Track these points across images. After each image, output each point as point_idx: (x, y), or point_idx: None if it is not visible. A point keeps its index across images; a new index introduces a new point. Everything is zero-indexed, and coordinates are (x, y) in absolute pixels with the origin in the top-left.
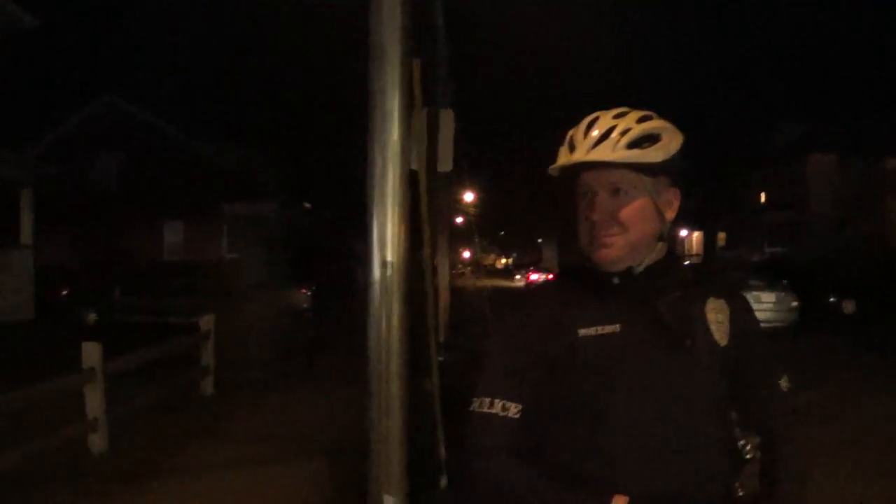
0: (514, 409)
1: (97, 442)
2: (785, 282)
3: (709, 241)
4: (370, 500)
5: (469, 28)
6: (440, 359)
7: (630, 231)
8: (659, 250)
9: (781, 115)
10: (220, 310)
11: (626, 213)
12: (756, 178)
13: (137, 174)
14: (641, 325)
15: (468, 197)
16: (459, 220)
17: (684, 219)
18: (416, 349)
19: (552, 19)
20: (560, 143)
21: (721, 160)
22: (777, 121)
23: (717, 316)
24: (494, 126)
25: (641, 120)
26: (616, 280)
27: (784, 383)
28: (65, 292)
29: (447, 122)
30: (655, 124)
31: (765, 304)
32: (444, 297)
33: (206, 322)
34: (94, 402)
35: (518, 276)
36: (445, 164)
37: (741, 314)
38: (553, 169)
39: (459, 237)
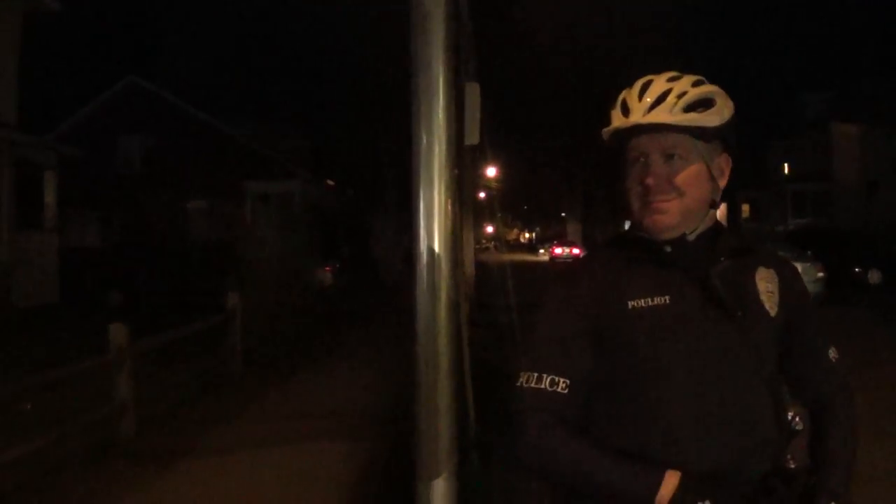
0: (562, 384)
1: (125, 423)
2: (810, 252)
3: (732, 212)
4: (418, 484)
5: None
6: (468, 335)
7: (685, 197)
8: (709, 218)
9: (805, 85)
10: (245, 289)
11: (681, 178)
12: (779, 149)
13: (161, 154)
14: (692, 295)
15: (491, 172)
16: (482, 194)
17: None
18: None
19: None
20: (608, 109)
21: (744, 130)
22: (800, 90)
23: (767, 286)
24: (517, 99)
25: (696, 84)
26: (668, 248)
27: (832, 353)
28: (90, 275)
29: (473, 95)
30: (709, 88)
31: (800, 275)
32: (469, 273)
33: (232, 301)
34: (122, 383)
35: (542, 251)
36: (472, 138)
37: (791, 284)
38: (606, 132)
39: (482, 212)
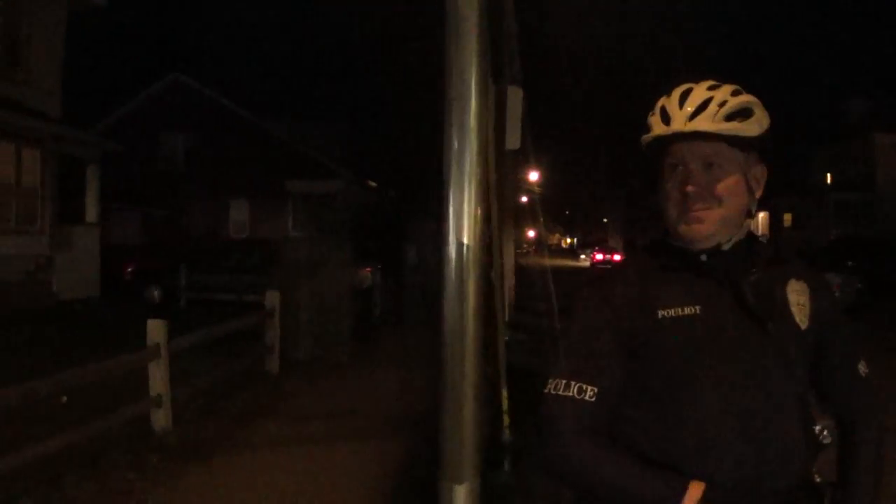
0: (590, 392)
1: (161, 419)
2: (850, 263)
3: (775, 221)
4: (441, 487)
5: (539, 4)
6: (505, 338)
7: (723, 206)
8: (744, 228)
9: (847, 93)
10: (284, 288)
11: (720, 187)
12: (821, 158)
13: (203, 152)
14: (723, 306)
15: (533, 176)
16: (524, 199)
17: None
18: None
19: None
20: (643, 117)
21: (786, 139)
22: (843, 99)
23: (798, 298)
24: (562, 104)
25: (735, 93)
26: (704, 257)
27: (862, 368)
28: (130, 270)
29: (515, 99)
30: (748, 98)
31: (831, 287)
32: (510, 277)
33: (271, 300)
34: (158, 379)
35: (583, 256)
36: (513, 142)
37: (822, 296)
38: (645, 139)
39: (524, 216)
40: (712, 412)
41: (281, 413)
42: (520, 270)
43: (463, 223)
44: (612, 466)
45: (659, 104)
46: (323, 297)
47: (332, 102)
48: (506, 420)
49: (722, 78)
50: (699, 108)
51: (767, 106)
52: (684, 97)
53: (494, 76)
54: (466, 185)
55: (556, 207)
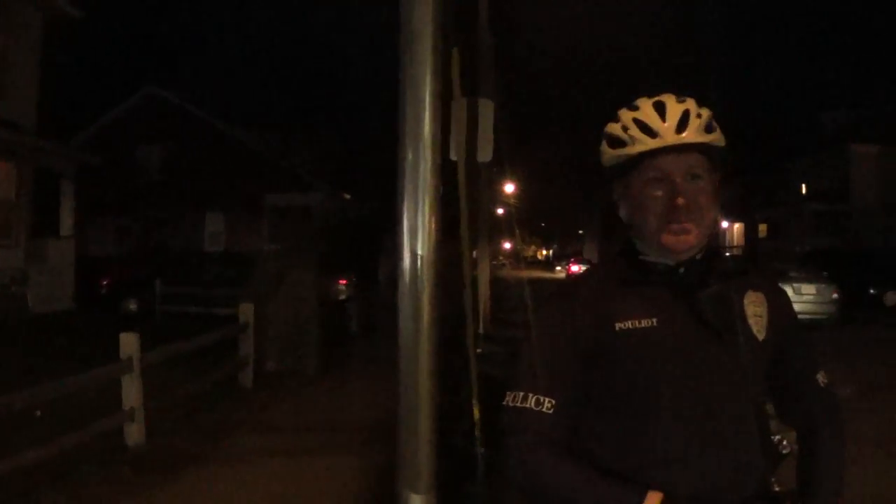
0: (548, 404)
1: (134, 433)
2: (825, 273)
3: (750, 232)
4: (398, 498)
5: (512, 18)
6: (479, 350)
7: (705, 217)
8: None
9: (823, 105)
10: (259, 301)
11: (703, 198)
12: (797, 169)
13: (179, 164)
14: (680, 318)
15: (509, 188)
16: (500, 211)
17: (726, 210)
18: (455, 341)
19: (596, 8)
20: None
21: (762, 151)
22: (818, 110)
23: (756, 309)
24: (536, 116)
25: (700, 105)
26: (682, 270)
27: (821, 378)
28: (105, 282)
29: (487, 112)
30: (709, 111)
31: (805, 296)
32: (485, 289)
33: (245, 313)
34: (132, 392)
35: (559, 268)
36: (485, 155)
37: (780, 307)
38: (625, 154)
39: (500, 228)
40: (670, 424)
41: (255, 426)
42: (495, 283)
43: (417, 235)
44: (570, 476)
45: (627, 118)
46: (298, 309)
47: (310, 115)
48: (477, 432)
49: (694, 93)
50: (683, 121)
51: (744, 118)
52: (660, 110)
53: (466, 89)
54: (420, 197)
55: (532, 219)
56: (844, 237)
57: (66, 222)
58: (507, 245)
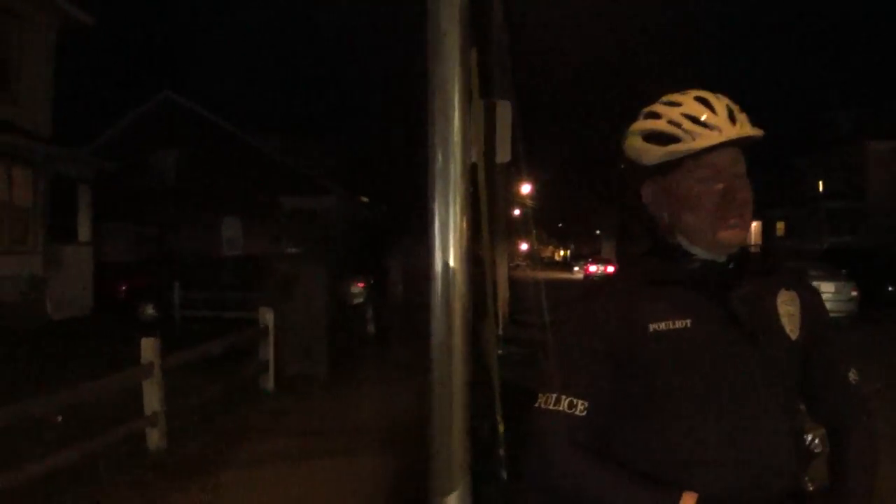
0: (580, 407)
1: (155, 437)
2: (844, 271)
3: (767, 230)
4: (431, 501)
5: (529, 17)
6: (499, 352)
7: (750, 211)
8: None
9: (837, 103)
10: (277, 304)
11: (750, 192)
12: (813, 167)
13: (195, 170)
14: (713, 319)
15: (525, 189)
16: (517, 212)
17: None
18: (475, 343)
19: (610, 8)
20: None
21: (776, 150)
22: (832, 108)
23: (789, 308)
24: (553, 117)
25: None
26: (733, 265)
27: (853, 376)
28: (123, 288)
29: (504, 113)
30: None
31: (824, 294)
32: (503, 291)
33: (265, 316)
34: (152, 397)
35: (576, 268)
36: (503, 156)
37: (812, 306)
38: (682, 150)
39: (517, 229)
40: (703, 425)
41: (275, 430)
42: (513, 284)
43: (449, 238)
44: (603, 480)
45: (674, 113)
46: (316, 312)
47: (325, 118)
48: (500, 433)
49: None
50: (731, 114)
51: (758, 117)
52: (706, 104)
53: (483, 90)
54: (451, 199)
55: (549, 220)
56: (861, 235)
57: (84, 228)
58: (524, 246)
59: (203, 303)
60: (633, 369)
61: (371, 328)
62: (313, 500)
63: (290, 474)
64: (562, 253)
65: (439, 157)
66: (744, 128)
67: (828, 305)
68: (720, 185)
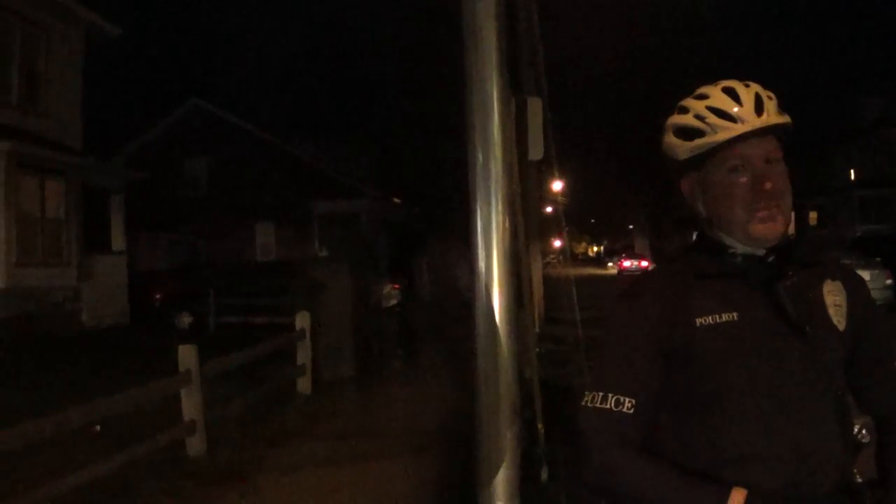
0: (628, 404)
1: (195, 444)
2: (878, 259)
3: (800, 220)
4: (478, 492)
5: (561, 10)
6: (537, 350)
7: (787, 200)
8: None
9: (866, 89)
10: (313, 308)
11: (784, 182)
12: (845, 156)
13: (227, 176)
14: (760, 312)
15: (557, 186)
16: (549, 209)
17: None
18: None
19: (642, 3)
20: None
21: (807, 138)
22: (862, 95)
23: (834, 299)
24: (585, 112)
25: (764, 88)
26: (772, 258)
27: None
28: (158, 296)
29: (536, 110)
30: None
31: (866, 284)
32: (538, 288)
33: (301, 321)
34: (191, 404)
35: (610, 264)
36: (535, 153)
37: (858, 295)
38: (707, 144)
39: (550, 227)
40: (752, 419)
41: (315, 434)
42: (547, 281)
43: (492, 236)
44: (651, 478)
45: (699, 107)
46: (351, 315)
47: (356, 119)
48: (540, 430)
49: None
50: (759, 104)
51: (790, 104)
52: (733, 95)
53: (514, 87)
54: (493, 197)
55: (581, 216)
56: (895, 222)
57: (117, 238)
58: (558, 243)
59: (238, 309)
60: (681, 365)
61: (404, 330)
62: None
63: (329, 478)
64: (594, 249)
65: (479, 155)
66: (770, 116)
67: None
68: (745, 178)
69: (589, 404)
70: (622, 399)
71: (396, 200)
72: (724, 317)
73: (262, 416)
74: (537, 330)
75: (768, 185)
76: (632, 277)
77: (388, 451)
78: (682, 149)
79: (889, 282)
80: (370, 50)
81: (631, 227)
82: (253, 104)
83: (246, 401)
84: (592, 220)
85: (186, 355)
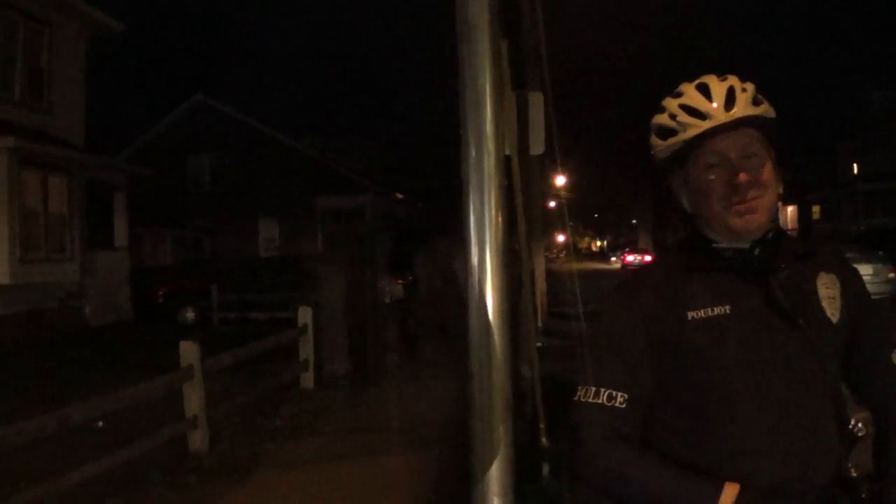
0: (620, 399)
1: (197, 439)
2: (881, 253)
3: (803, 214)
4: (474, 501)
5: (563, 4)
6: (539, 344)
7: (768, 192)
8: (777, 218)
9: (870, 84)
10: (316, 304)
11: (765, 173)
12: (848, 150)
13: (230, 172)
14: (753, 304)
15: (561, 181)
16: (552, 203)
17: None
18: (515, 336)
19: None
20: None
21: (810, 132)
22: (865, 90)
23: (829, 291)
24: (588, 107)
25: (743, 81)
26: (758, 251)
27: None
28: (161, 292)
29: (536, 104)
30: (753, 85)
31: (862, 276)
32: (541, 282)
33: (304, 316)
34: (193, 400)
35: (614, 258)
36: (536, 148)
37: (853, 288)
38: (676, 142)
39: (553, 221)
40: (746, 413)
41: (317, 430)
42: (551, 276)
43: (485, 231)
44: (643, 472)
45: (673, 105)
46: (355, 311)
47: (358, 115)
48: (542, 426)
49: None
50: (730, 98)
51: (790, 101)
52: (705, 91)
53: (515, 82)
54: (486, 192)
55: (584, 211)
56: None
57: (120, 234)
58: (561, 237)
59: (241, 304)
60: (674, 358)
61: (410, 326)
62: (357, 500)
63: (332, 473)
64: (598, 243)
65: (472, 150)
66: (739, 110)
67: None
68: (720, 172)
69: (582, 399)
70: (615, 394)
71: (399, 196)
72: (717, 310)
73: (264, 412)
74: (540, 325)
75: (741, 177)
76: (632, 272)
77: (391, 447)
78: (659, 148)
79: (892, 275)
80: (374, 45)
81: (634, 221)
82: (257, 100)
83: (248, 396)
84: (596, 215)
85: (188, 351)
